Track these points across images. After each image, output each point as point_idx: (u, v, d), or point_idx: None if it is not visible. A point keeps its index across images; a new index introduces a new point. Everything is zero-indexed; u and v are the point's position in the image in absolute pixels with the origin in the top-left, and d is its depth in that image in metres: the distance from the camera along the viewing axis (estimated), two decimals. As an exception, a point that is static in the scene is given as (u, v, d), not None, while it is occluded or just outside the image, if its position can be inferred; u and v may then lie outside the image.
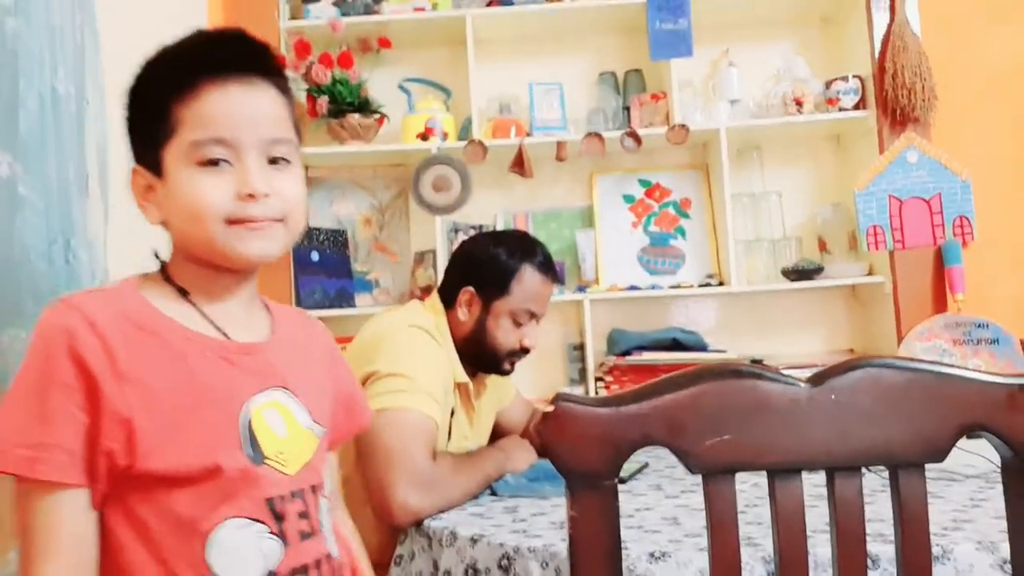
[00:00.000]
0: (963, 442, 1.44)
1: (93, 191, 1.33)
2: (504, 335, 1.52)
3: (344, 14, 2.24)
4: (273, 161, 0.81)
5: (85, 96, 1.31)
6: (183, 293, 0.81)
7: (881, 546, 0.93)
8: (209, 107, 0.78)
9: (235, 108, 0.78)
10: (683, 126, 2.17)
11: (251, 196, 0.78)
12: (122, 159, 1.48)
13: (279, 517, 0.78)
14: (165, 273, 0.83)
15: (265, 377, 0.82)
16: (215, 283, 0.82)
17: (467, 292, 1.53)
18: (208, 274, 0.82)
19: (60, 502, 0.71)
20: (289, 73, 2.16)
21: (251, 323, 0.86)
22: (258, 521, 0.77)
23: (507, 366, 1.57)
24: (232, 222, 0.78)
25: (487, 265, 1.54)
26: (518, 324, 1.53)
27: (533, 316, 1.54)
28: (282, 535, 0.78)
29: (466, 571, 1.09)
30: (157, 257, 0.84)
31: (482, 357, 1.54)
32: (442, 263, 2.20)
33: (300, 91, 2.22)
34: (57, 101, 1.22)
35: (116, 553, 0.74)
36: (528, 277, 1.53)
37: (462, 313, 1.53)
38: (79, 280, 1.24)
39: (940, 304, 2.08)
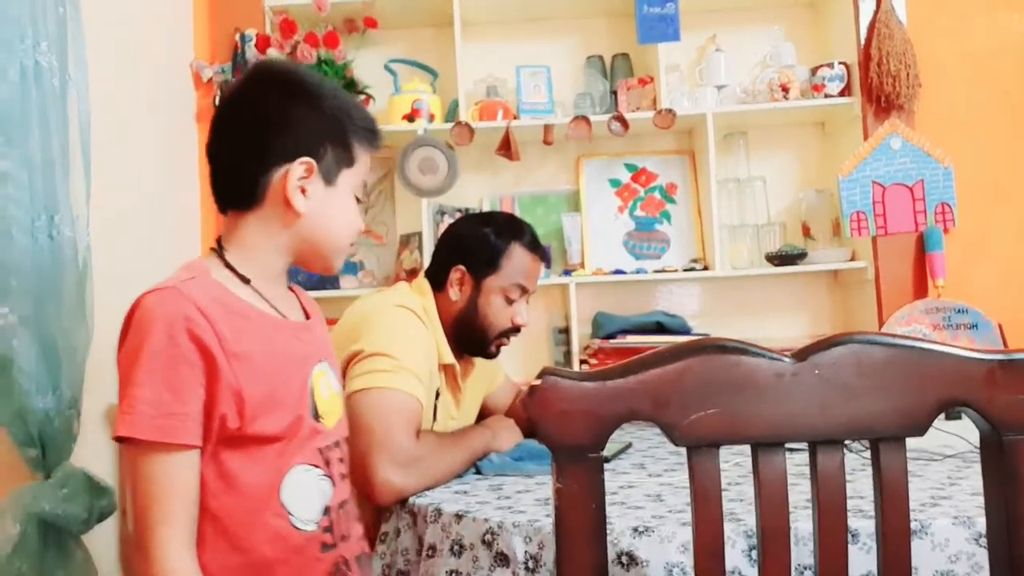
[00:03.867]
0: (943, 423, 1.48)
1: (76, 167, 1.31)
2: (495, 312, 1.53)
3: (330, -7, 2.22)
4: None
5: (67, 71, 1.29)
6: (245, 280, 0.96)
7: (861, 521, 0.95)
8: (368, 163, 1.06)
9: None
10: (670, 111, 2.17)
11: (362, 231, 1.06)
12: (105, 136, 1.47)
13: (327, 463, 0.97)
14: (224, 261, 0.96)
15: (318, 351, 1.01)
16: (276, 271, 1.00)
17: (458, 271, 1.54)
18: (281, 263, 1.00)
19: (183, 461, 0.85)
20: (273, 52, 2.14)
21: (290, 305, 1.02)
22: (315, 466, 0.95)
23: (494, 348, 1.57)
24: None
25: (477, 244, 1.55)
26: (509, 301, 1.54)
27: (524, 292, 1.56)
28: (331, 477, 0.97)
29: (451, 547, 1.10)
30: (219, 245, 0.98)
31: (472, 336, 1.55)
32: (428, 246, 2.20)
33: (285, 71, 2.20)
34: (40, 74, 1.20)
35: (207, 499, 0.87)
36: (518, 254, 1.54)
37: (453, 293, 1.54)
38: (62, 256, 1.23)
39: (921, 290, 2.11)
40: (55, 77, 1.24)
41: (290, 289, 1.06)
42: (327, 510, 0.96)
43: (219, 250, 0.97)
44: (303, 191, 0.96)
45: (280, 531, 0.90)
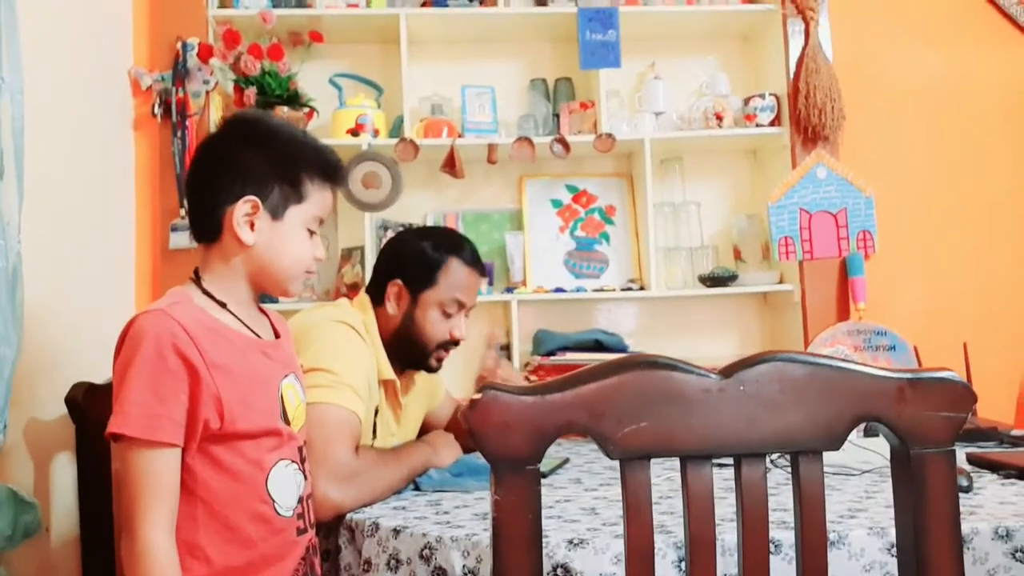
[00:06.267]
0: (862, 440, 1.55)
1: (8, 173, 1.28)
2: (432, 326, 1.53)
3: (275, 5, 2.21)
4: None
5: (1, 75, 1.26)
6: (221, 304, 1.09)
7: (784, 532, 0.99)
8: (326, 199, 1.16)
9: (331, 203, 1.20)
10: (610, 135, 2.23)
11: (319, 259, 1.17)
12: (40, 142, 1.43)
13: (302, 460, 1.14)
14: (202, 288, 1.10)
15: (285, 366, 1.16)
16: (245, 295, 1.13)
17: (395, 285, 1.54)
18: (245, 289, 1.12)
19: (165, 457, 0.98)
20: (216, 62, 2.12)
21: (261, 325, 1.16)
22: (294, 462, 1.12)
23: (434, 361, 1.57)
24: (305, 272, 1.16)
25: (414, 258, 1.56)
26: (447, 315, 1.54)
27: (462, 307, 1.56)
28: (303, 472, 1.14)
29: (388, 561, 1.10)
30: (196, 275, 1.11)
31: (411, 350, 1.55)
32: (370, 260, 2.20)
33: (228, 81, 2.18)
34: (-29, 77, 1.17)
35: (203, 489, 1.02)
36: (455, 268, 1.55)
37: (391, 307, 1.54)
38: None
39: (844, 312, 2.21)
40: (-13, 80, 1.21)
41: (260, 310, 1.18)
42: (300, 500, 1.12)
43: (196, 279, 1.11)
44: (251, 226, 1.09)
45: (265, 515, 1.06)
